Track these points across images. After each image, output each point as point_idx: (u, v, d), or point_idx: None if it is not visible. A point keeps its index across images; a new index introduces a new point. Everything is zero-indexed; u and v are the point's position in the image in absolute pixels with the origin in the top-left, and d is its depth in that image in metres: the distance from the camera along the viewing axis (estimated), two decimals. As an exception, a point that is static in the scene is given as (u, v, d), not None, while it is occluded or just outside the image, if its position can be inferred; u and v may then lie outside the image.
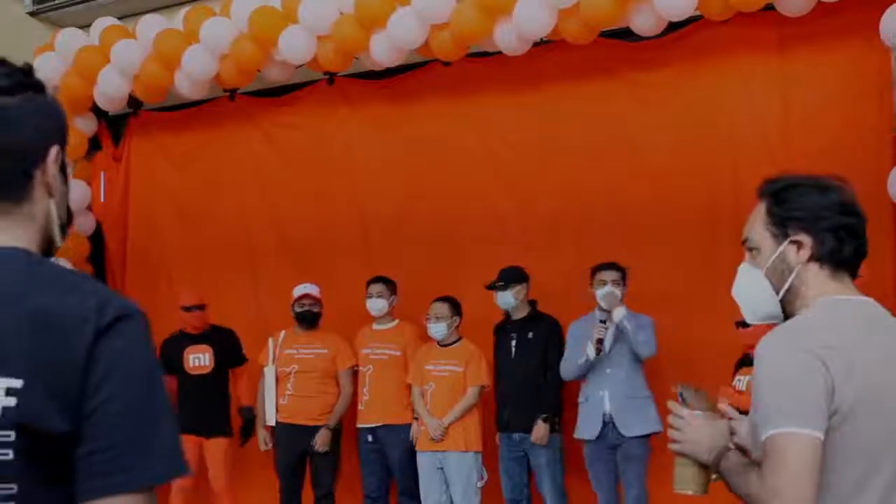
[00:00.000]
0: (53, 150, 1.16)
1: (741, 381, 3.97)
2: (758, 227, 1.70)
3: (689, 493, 1.72)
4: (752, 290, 1.72)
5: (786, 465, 1.48)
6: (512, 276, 4.43)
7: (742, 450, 1.67)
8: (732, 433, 1.71)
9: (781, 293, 1.68)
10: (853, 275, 1.69)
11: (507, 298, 4.43)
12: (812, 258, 1.65)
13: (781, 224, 1.68)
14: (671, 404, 1.74)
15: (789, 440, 1.48)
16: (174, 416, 1.08)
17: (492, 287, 4.42)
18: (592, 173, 4.63)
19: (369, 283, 4.81)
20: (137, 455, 1.02)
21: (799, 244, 1.66)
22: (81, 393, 1.02)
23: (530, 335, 4.45)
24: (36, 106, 1.16)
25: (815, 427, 1.49)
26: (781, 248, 1.67)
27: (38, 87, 1.18)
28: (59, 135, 1.19)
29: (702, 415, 1.71)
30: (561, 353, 4.33)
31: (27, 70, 1.18)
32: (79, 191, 5.27)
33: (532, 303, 4.53)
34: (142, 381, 1.05)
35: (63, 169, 1.19)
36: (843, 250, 1.65)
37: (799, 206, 1.67)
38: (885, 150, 3.90)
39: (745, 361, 3.92)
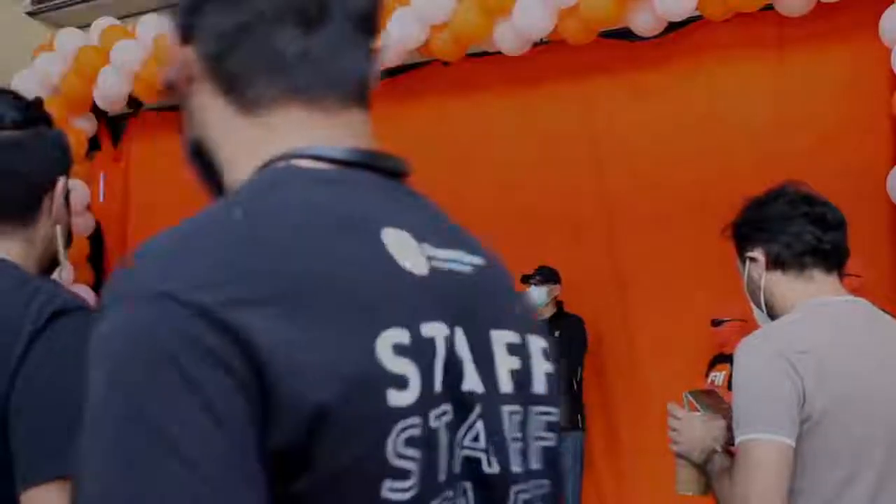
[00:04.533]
0: (62, 181, 1.26)
1: (716, 376, 4.04)
2: (737, 265, 1.75)
3: (690, 494, 1.72)
4: (757, 318, 1.76)
5: (753, 473, 1.48)
6: (550, 275, 4.54)
7: (732, 453, 1.68)
8: (731, 433, 1.71)
9: (764, 309, 1.70)
10: (838, 273, 1.68)
11: (542, 295, 4.50)
12: (770, 267, 1.67)
13: (741, 250, 1.72)
14: (670, 406, 1.74)
15: (757, 447, 1.48)
16: None
17: (526, 280, 4.47)
18: (591, 173, 4.63)
19: None
20: (64, 445, 1.04)
21: (753, 259, 1.68)
22: (11, 387, 1.06)
23: (556, 334, 4.48)
24: (46, 138, 1.26)
25: (785, 433, 1.48)
26: (745, 269, 1.70)
27: (48, 120, 1.29)
28: (65, 165, 1.28)
29: (699, 415, 1.71)
30: (584, 351, 4.45)
31: (38, 103, 1.29)
32: (78, 191, 5.27)
33: (559, 303, 4.62)
34: (66, 374, 1.06)
35: (67, 196, 1.29)
36: (794, 250, 1.65)
37: (744, 224, 1.71)
38: (884, 150, 3.91)
39: (720, 358, 4.02)
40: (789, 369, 1.50)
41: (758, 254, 1.68)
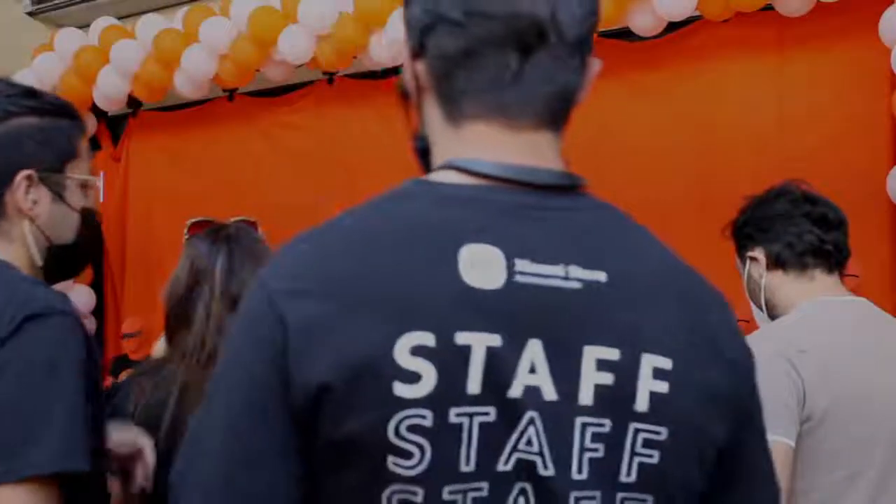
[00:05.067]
0: (19, 176, 1.22)
1: None
2: (737, 264, 1.74)
3: None
4: (756, 317, 1.75)
5: None
6: None
7: None
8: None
9: (765, 309, 1.69)
10: (839, 272, 1.68)
11: None
12: (770, 266, 1.66)
13: (741, 249, 1.71)
14: None
15: None
16: (75, 414, 1.08)
17: None
18: (591, 173, 4.58)
19: None
20: (19, 447, 1.03)
21: (753, 259, 1.68)
22: None
23: None
24: (9, 131, 1.23)
25: (784, 433, 1.48)
26: (746, 268, 1.70)
27: (32, 110, 1.25)
28: (36, 157, 1.24)
29: None
30: None
31: (23, 93, 1.27)
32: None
33: None
34: (34, 376, 1.06)
35: (57, 190, 1.25)
36: (795, 249, 1.65)
37: (745, 223, 1.70)
38: (884, 150, 3.90)
39: None
40: (790, 369, 1.49)
41: (758, 253, 1.67)
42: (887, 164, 3.75)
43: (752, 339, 1.60)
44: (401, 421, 0.74)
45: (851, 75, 4.06)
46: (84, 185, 1.32)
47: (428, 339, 0.74)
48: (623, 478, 0.79)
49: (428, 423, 0.74)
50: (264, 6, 4.49)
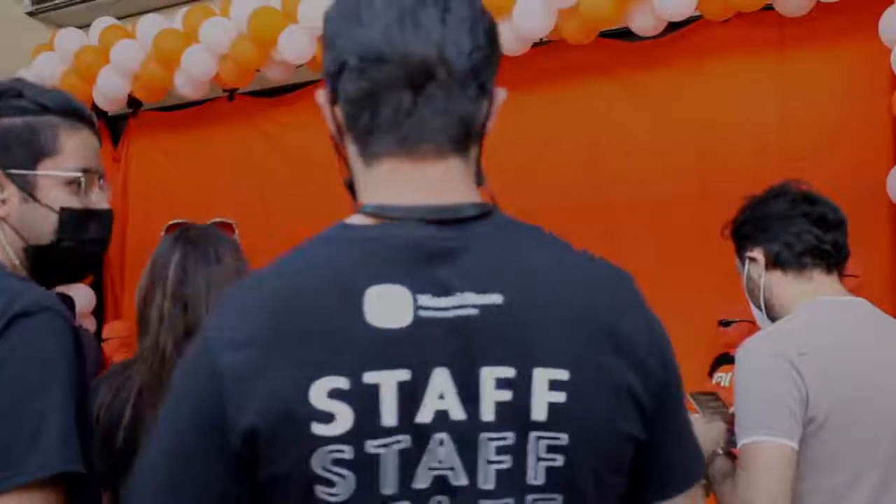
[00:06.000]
0: None
1: (722, 377, 4.03)
2: (736, 264, 1.74)
3: None
4: (756, 318, 1.75)
5: (757, 477, 1.47)
6: None
7: (734, 455, 1.67)
8: (732, 435, 1.71)
9: (764, 309, 1.69)
10: (838, 273, 1.68)
11: None
12: (769, 266, 1.66)
13: (740, 249, 1.71)
14: None
15: (761, 450, 1.47)
16: (68, 416, 1.06)
17: None
18: (591, 173, 4.62)
19: None
20: (17, 453, 1.02)
21: (752, 259, 1.67)
22: None
23: None
24: None
25: (788, 436, 1.47)
26: (745, 268, 1.69)
27: (13, 109, 1.25)
28: (3, 159, 1.23)
29: (698, 417, 1.71)
30: None
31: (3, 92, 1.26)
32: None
33: None
34: (25, 379, 1.04)
35: (27, 189, 1.24)
36: (795, 249, 1.64)
37: (744, 223, 1.70)
38: (884, 150, 3.90)
39: (724, 359, 4.00)
40: (792, 371, 1.49)
41: (757, 253, 1.67)
42: (887, 164, 3.75)
43: (752, 341, 1.60)
44: (323, 456, 0.83)
45: (851, 75, 4.06)
46: (71, 182, 1.27)
47: (341, 382, 0.83)
48: (531, 481, 0.87)
49: (348, 456, 0.83)
50: (264, 6, 4.49)
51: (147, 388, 1.61)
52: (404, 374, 0.84)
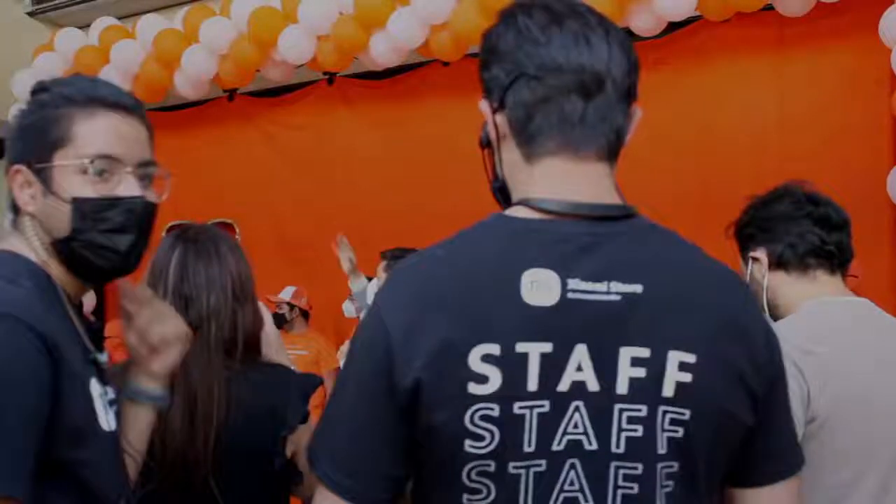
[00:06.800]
0: (10, 171, 1.20)
1: None
2: (740, 265, 1.74)
3: None
4: None
5: None
6: None
7: None
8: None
9: (767, 310, 1.69)
10: (841, 273, 1.67)
11: None
12: (773, 267, 1.66)
13: (744, 250, 1.70)
14: None
15: None
16: (9, 435, 1.01)
17: None
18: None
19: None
20: None
21: (756, 259, 1.67)
22: None
23: None
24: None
25: None
26: (748, 269, 1.69)
27: (22, 113, 1.23)
28: (29, 154, 1.20)
29: None
30: None
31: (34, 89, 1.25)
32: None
33: None
34: None
35: (46, 182, 1.19)
36: (798, 250, 1.64)
37: (747, 223, 1.70)
38: (884, 150, 3.90)
39: None
40: (794, 371, 1.48)
41: (761, 254, 1.67)
42: (887, 164, 3.75)
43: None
44: (475, 412, 0.96)
45: (851, 75, 4.06)
46: (85, 171, 1.18)
47: (494, 349, 0.96)
48: (659, 450, 0.99)
49: (496, 413, 0.96)
50: (264, 6, 4.49)
51: None
52: (548, 347, 0.97)
